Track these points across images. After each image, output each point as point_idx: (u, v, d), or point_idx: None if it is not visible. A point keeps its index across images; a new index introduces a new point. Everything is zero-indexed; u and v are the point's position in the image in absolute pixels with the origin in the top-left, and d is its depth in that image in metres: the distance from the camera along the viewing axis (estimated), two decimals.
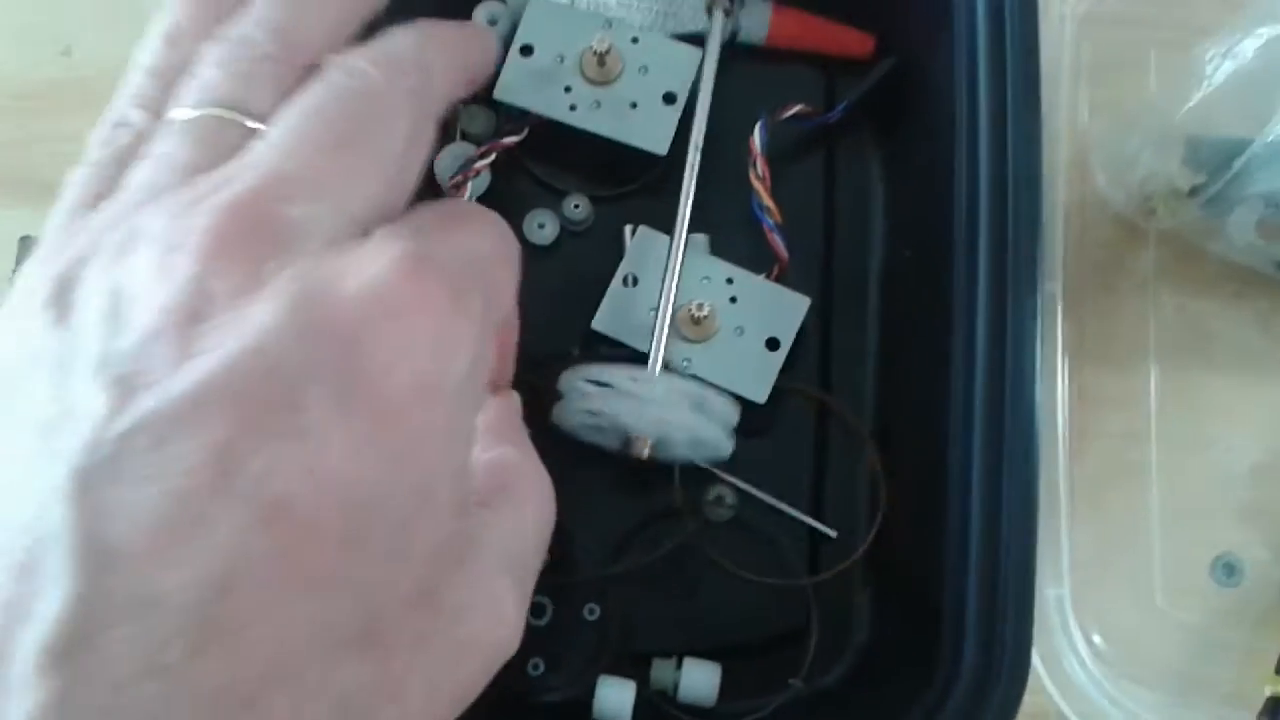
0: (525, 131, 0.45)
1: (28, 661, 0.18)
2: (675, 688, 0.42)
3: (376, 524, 0.22)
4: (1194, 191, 0.44)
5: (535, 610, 0.42)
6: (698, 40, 0.46)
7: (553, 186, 0.47)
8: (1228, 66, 0.43)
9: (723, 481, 0.44)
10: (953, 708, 0.36)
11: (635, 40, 0.45)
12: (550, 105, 0.44)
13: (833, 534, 0.45)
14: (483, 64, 0.35)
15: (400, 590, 0.23)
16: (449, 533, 0.24)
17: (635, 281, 0.44)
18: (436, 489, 0.23)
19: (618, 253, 0.45)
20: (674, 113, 0.44)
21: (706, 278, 0.44)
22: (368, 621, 0.22)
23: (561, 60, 0.44)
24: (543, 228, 0.46)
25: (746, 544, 0.44)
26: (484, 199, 0.46)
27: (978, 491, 0.37)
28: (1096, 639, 0.44)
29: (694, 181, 0.44)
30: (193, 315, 0.21)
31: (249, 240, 0.22)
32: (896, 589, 0.44)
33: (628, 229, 0.46)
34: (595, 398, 0.41)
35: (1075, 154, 0.47)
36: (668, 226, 0.45)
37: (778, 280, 0.45)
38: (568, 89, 0.44)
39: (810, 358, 0.46)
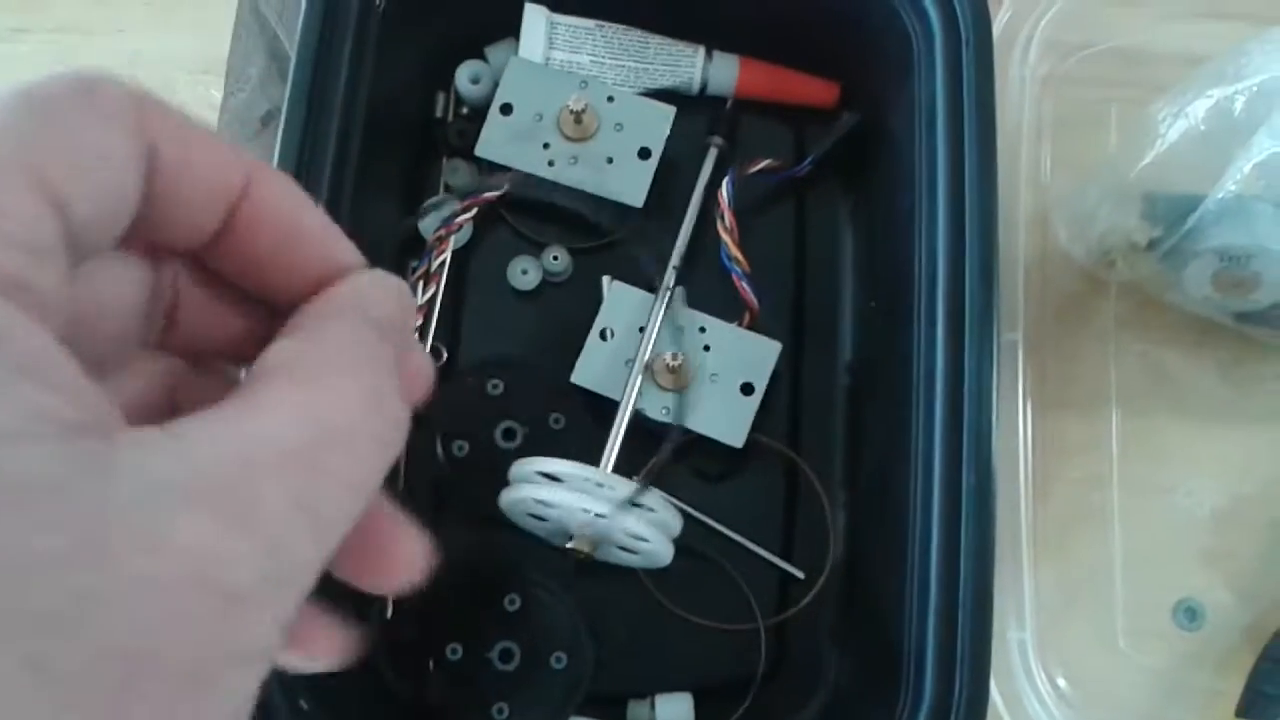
0: (505, 187, 0.47)
1: None
2: None
3: None
4: (1151, 245, 0.45)
5: (503, 656, 0.43)
6: (670, 95, 0.48)
7: (532, 238, 0.48)
8: (1181, 125, 0.44)
9: (698, 523, 0.46)
10: None
11: (611, 99, 0.46)
12: (529, 161, 0.46)
13: (801, 575, 0.46)
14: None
15: None
16: None
17: (612, 334, 0.46)
18: None
19: (596, 300, 0.47)
20: (649, 167, 0.46)
21: (680, 327, 0.46)
22: None
23: (540, 118, 0.46)
24: (526, 274, 0.48)
25: (717, 586, 0.45)
26: (466, 249, 0.48)
27: (938, 537, 0.38)
28: (1060, 681, 0.44)
29: (673, 285, 0.46)
30: None
31: None
32: (862, 632, 0.45)
33: (605, 279, 0.48)
34: (544, 488, 0.40)
35: (1037, 208, 0.49)
36: (643, 277, 0.46)
37: (749, 327, 0.47)
38: (546, 145, 0.46)
39: (781, 401, 0.47)
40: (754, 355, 0.46)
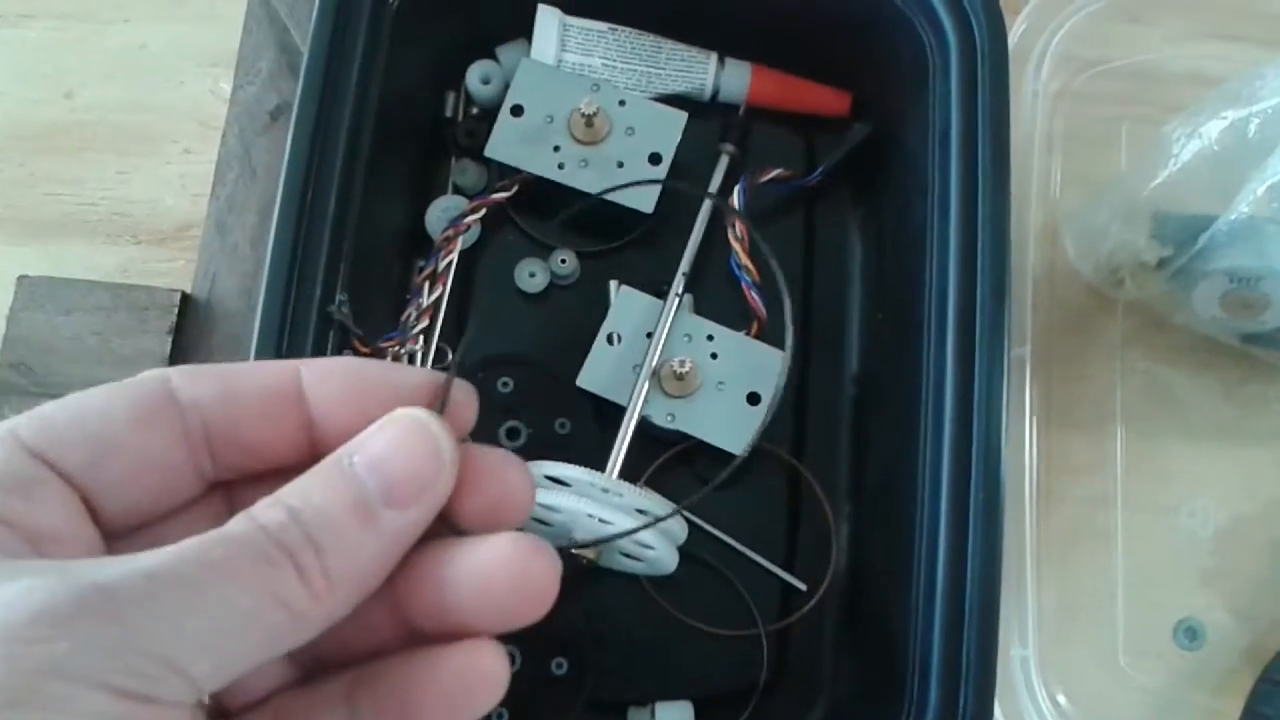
0: (515, 188, 0.46)
1: None
2: None
3: None
4: (1161, 265, 0.46)
5: None
6: (681, 101, 0.48)
7: (540, 241, 0.48)
8: (1194, 145, 0.44)
9: (701, 530, 0.45)
10: None
11: (622, 103, 0.46)
12: (539, 163, 0.46)
13: (802, 586, 0.45)
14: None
15: None
16: None
17: (619, 339, 0.45)
18: None
19: (603, 304, 0.47)
20: (659, 172, 0.46)
21: (688, 335, 0.45)
22: None
23: (550, 120, 0.46)
24: (533, 276, 0.48)
25: (719, 594, 0.45)
26: (474, 250, 0.48)
27: (944, 552, 0.38)
28: (1061, 699, 0.44)
29: (681, 291, 0.45)
30: None
31: None
32: (864, 643, 0.45)
33: (613, 284, 0.47)
34: (552, 493, 0.39)
35: (1046, 224, 0.49)
36: (650, 283, 0.46)
37: (757, 337, 0.46)
38: (556, 148, 0.46)
39: (787, 411, 0.47)
40: (761, 365, 0.45)
